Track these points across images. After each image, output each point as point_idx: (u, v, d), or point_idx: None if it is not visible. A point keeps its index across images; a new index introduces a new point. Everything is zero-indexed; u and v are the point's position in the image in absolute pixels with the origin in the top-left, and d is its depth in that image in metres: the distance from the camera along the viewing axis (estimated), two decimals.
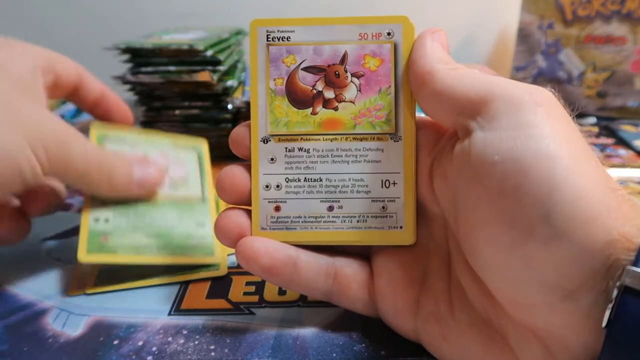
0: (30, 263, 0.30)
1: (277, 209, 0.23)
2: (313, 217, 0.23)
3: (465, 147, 0.19)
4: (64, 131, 0.26)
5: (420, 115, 0.23)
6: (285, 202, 0.23)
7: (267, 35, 0.23)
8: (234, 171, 0.23)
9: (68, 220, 0.35)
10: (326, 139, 0.23)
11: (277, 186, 0.23)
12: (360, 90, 0.23)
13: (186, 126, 0.45)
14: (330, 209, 0.23)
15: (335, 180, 0.23)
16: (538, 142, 0.17)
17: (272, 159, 0.23)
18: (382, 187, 0.23)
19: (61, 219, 0.36)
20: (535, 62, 0.61)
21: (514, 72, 0.62)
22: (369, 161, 0.23)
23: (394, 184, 0.23)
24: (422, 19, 0.27)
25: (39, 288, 0.28)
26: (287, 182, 0.23)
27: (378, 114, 0.23)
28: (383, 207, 0.23)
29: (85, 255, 0.27)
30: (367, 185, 0.23)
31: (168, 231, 0.30)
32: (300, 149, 0.23)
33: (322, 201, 0.23)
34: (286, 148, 0.23)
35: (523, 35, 0.60)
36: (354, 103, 0.23)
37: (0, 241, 0.28)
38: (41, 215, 0.29)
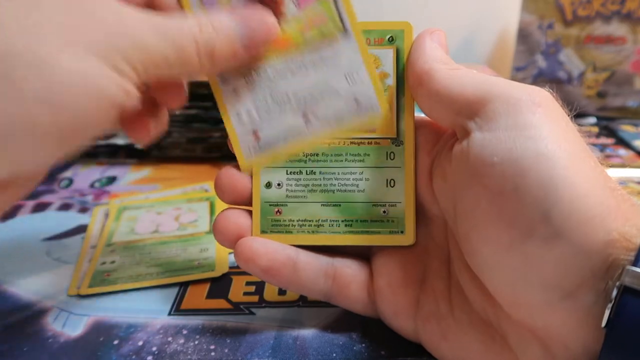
0: (30, 263, 0.30)
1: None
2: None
3: (464, 147, 0.19)
4: (143, 28, 0.19)
5: (419, 115, 0.23)
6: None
7: None
8: (233, 171, 0.23)
9: (68, 220, 0.35)
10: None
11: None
12: (297, 5, 0.22)
13: (186, 126, 0.45)
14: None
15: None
16: (537, 143, 0.17)
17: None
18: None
19: (61, 219, 0.36)
20: (535, 62, 0.61)
21: (514, 72, 0.62)
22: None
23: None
24: (422, 19, 0.27)
25: (39, 288, 0.28)
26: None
27: (322, 20, 0.22)
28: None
29: (86, 289, 0.27)
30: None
31: (171, 260, 0.30)
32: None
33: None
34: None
35: (523, 35, 0.60)
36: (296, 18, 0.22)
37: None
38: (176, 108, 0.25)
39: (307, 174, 0.23)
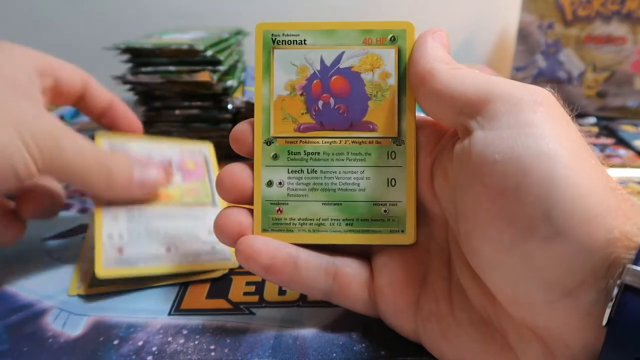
0: (30, 263, 0.30)
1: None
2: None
3: (466, 146, 0.19)
4: (58, 127, 0.25)
5: (420, 115, 0.23)
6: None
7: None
8: (235, 170, 0.23)
9: (68, 220, 0.35)
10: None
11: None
12: (183, 179, 0.33)
13: (186, 126, 0.45)
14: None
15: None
16: (538, 141, 0.17)
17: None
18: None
19: (61, 219, 0.36)
20: (535, 62, 0.61)
21: (514, 72, 0.62)
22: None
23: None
24: (422, 19, 0.27)
25: (39, 288, 0.28)
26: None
27: (198, 192, 0.29)
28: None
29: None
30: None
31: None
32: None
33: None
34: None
35: (523, 35, 0.60)
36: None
37: None
38: (38, 218, 0.29)
39: (308, 172, 0.23)
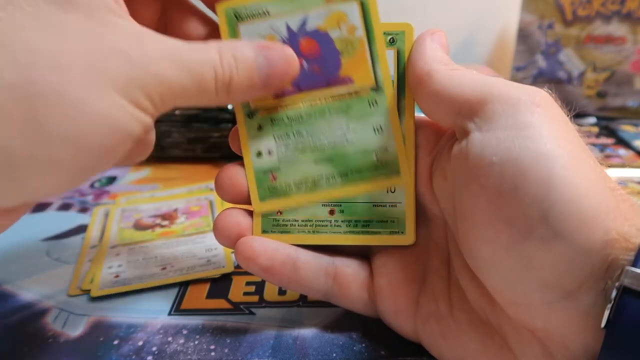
0: (30, 263, 0.30)
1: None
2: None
3: (463, 147, 0.19)
4: (161, 58, 0.18)
5: (419, 115, 0.23)
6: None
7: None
8: (234, 170, 0.23)
9: (68, 220, 0.36)
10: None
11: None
12: None
13: (186, 126, 0.45)
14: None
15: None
16: (536, 142, 0.17)
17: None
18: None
19: (61, 219, 0.36)
20: (535, 62, 0.61)
21: (514, 72, 0.62)
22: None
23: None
24: (422, 19, 0.27)
25: (39, 288, 0.28)
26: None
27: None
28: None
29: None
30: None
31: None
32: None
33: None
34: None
35: (523, 35, 0.60)
36: None
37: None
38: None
39: (294, 135, 0.23)
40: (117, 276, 0.28)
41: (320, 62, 0.23)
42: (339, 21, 0.22)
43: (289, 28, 0.22)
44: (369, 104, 0.23)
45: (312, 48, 0.23)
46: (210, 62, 0.19)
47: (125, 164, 0.22)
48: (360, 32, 0.22)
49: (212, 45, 0.19)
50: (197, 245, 0.32)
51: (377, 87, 0.23)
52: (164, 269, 0.29)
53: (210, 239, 0.32)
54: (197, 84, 0.19)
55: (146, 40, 0.18)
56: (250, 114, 0.23)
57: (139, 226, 0.34)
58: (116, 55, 0.17)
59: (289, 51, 0.21)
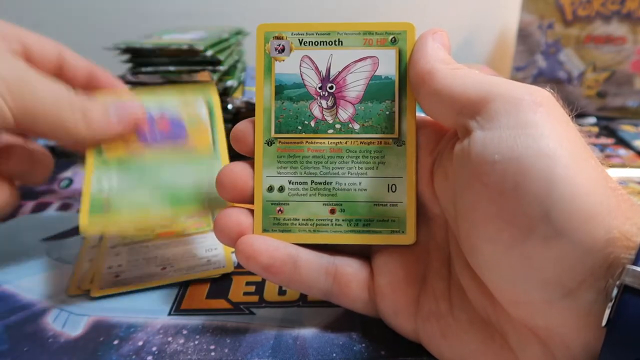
0: (30, 263, 0.30)
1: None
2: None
3: (465, 146, 0.19)
4: (28, 71, 0.23)
5: (420, 115, 0.23)
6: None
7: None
8: (235, 169, 0.23)
9: (68, 220, 0.35)
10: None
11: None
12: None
13: None
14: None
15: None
16: (538, 141, 0.17)
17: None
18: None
19: (61, 219, 0.36)
20: (535, 62, 0.61)
21: (514, 72, 0.62)
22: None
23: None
24: (422, 19, 0.27)
25: (39, 288, 0.28)
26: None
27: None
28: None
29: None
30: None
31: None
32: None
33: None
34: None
35: (523, 35, 0.60)
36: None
37: None
38: (26, 182, 0.28)
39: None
40: (117, 276, 0.28)
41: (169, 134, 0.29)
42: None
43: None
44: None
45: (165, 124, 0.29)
46: (66, 92, 0.25)
47: (23, 181, 0.27)
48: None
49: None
50: (197, 245, 0.32)
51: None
52: (164, 269, 0.29)
53: (211, 239, 0.32)
54: (54, 102, 0.24)
55: (18, 59, 0.25)
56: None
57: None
58: None
59: (132, 101, 0.28)
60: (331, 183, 0.23)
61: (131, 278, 0.28)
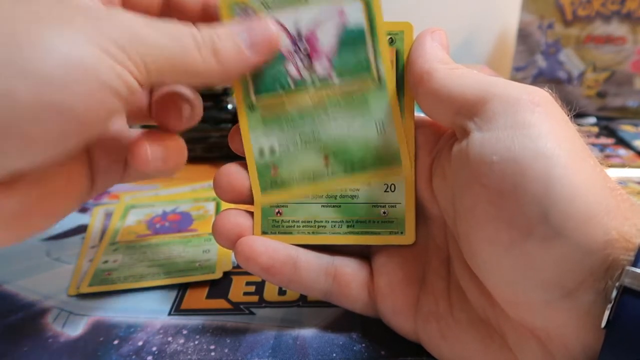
0: (30, 263, 0.30)
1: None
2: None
3: (463, 147, 0.19)
4: (136, 19, 0.19)
5: (419, 115, 0.23)
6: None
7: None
8: (231, 169, 0.23)
9: (68, 221, 0.35)
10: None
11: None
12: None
13: None
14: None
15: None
16: (536, 142, 0.17)
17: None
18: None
19: None
20: (535, 62, 0.61)
21: (514, 72, 0.62)
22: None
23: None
24: (422, 19, 0.27)
25: (39, 288, 0.28)
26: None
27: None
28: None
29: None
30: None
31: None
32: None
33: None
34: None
35: (523, 35, 0.60)
36: None
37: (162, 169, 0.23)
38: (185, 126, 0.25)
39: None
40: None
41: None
42: None
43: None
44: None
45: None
46: (187, 30, 0.20)
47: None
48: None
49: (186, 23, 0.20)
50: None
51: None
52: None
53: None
54: (177, 48, 0.19)
55: (119, 12, 0.19)
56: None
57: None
58: (89, 16, 0.18)
59: (264, 20, 0.22)
60: (319, 133, 0.23)
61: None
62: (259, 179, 0.23)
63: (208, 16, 0.24)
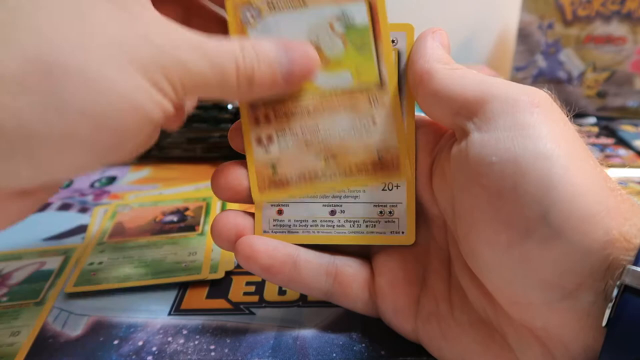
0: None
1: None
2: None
3: (463, 148, 0.19)
4: (182, 42, 0.18)
5: (420, 115, 0.23)
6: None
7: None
8: (230, 168, 0.23)
9: (68, 220, 0.36)
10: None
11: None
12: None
13: (186, 126, 0.45)
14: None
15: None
16: (535, 142, 0.17)
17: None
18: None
19: (61, 219, 0.36)
20: (535, 62, 0.61)
21: (514, 72, 0.62)
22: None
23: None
24: (422, 19, 0.27)
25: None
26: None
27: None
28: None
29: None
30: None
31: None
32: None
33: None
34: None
35: (523, 35, 0.60)
36: None
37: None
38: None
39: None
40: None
41: None
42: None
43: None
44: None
45: None
46: (231, 54, 0.19)
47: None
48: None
49: (235, 39, 0.19)
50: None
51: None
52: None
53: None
54: (217, 74, 0.19)
55: (171, 29, 0.18)
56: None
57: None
58: (141, 39, 0.17)
59: (310, 49, 0.21)
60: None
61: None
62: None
63: None
